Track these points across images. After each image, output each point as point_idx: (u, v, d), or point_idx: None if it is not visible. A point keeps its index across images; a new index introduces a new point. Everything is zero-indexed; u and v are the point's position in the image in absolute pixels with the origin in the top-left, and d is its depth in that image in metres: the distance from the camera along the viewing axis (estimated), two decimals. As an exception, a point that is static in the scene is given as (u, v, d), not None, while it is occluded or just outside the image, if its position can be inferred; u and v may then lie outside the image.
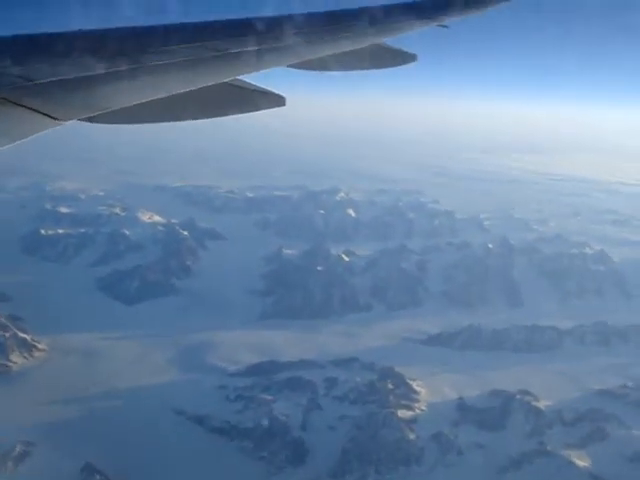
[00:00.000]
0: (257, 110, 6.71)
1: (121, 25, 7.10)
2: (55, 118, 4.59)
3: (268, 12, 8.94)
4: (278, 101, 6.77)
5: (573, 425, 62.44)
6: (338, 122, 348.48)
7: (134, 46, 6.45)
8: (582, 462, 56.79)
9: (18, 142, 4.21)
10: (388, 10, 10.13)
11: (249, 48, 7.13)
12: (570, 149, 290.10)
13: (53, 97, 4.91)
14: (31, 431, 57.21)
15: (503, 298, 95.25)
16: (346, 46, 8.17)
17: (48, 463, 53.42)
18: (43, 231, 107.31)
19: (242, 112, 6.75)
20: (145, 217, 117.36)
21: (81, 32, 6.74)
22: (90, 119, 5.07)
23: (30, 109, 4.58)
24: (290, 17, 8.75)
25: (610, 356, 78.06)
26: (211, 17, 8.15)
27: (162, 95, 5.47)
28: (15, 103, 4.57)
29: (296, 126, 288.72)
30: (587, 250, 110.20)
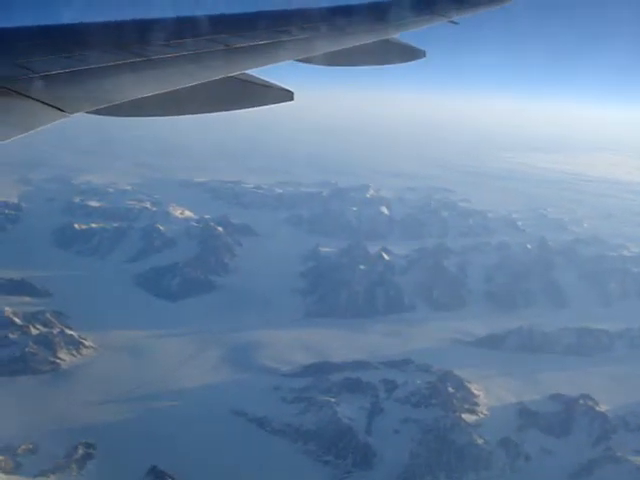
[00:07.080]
0: (265, 104, 6.67)
1: (129, 18, 7.04)
2: (62, 110, 4.58)
3: (277, 6, 8.86)
4: (286, 96, 6.69)
5: (638, 430, 61.24)
6: (350, 118, 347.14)
7: (142, 39, 6.42)
8: (652, 468, 55.64)
9: (27, 134, 4.20)
10: (397, 6, 10.19)
11: (257, 42, 7.11)
12: (593, 148, 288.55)
13: (60, 89, 4.92)
14: (90, 431, 55.95)
15: (547, 299, 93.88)
16: (355, 41, 8.19)
17: (112, 465, 52.03)
18: (77, 225, 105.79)
19: (249, 107, 6.74)
20: (177, 212, 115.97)
21: (89, 24, 6.73)
22: (97, 111, 5.05)
23: (37, 101, 4.58)
24: (299, 12, 8.76)
25: (661, 360, 76.78)
26: (219, 11, 8.14)
27: (169, 89, 5.46)
28: (23, 95, 4.59)
29: (307, 121, 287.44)
30: (625, 252, 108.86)
